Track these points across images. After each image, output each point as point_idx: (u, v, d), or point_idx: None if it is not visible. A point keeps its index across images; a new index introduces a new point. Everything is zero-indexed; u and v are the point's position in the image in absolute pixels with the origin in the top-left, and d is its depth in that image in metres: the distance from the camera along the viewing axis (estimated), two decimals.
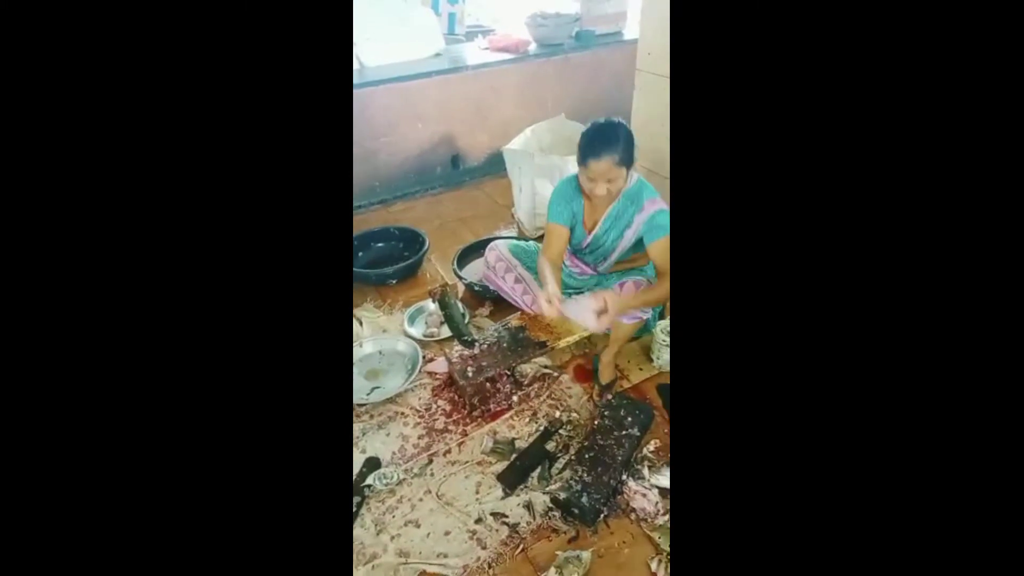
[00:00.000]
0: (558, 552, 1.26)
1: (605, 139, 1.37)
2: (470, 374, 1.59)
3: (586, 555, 1.24)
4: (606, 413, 1.51)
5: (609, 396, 1.63)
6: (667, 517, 1.33)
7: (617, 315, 1.43)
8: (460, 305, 1.85)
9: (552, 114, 2.72)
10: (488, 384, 1.63)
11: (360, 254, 2.32)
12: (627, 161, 1.39)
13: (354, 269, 2.15)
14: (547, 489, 1.39)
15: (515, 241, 1.79)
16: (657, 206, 1.47)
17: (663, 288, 1.47)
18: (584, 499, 1.32)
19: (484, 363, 1.61)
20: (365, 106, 2.63)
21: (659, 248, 1.46)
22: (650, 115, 1.68)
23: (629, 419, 1.49)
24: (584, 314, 1.38)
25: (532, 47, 3.05)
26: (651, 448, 1.48)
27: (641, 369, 1.75)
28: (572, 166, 2.31)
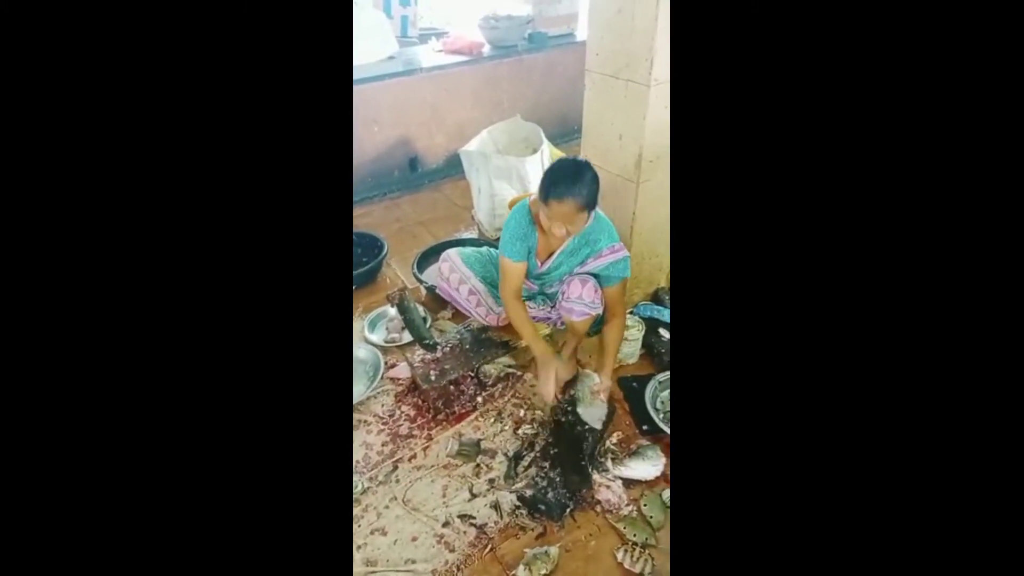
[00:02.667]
0: (526, 549, 1.27)
1: (570, 180, 1.28)
2: (433, 378, 1.58)
3: (554, 550, 1.26)
4: (568, 408, 1.53)
5: (572, 391, 1.65)
6: (631, 508, 1.35)
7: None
8: (420, 308, 1.84)
9: (508, 115, 2.74)
10: (452, 387, 1.62)
11: None
12: (590, 205, 1.33)
13: None
14: (513, 488, 1.40)
15: (469, 250, 1.78)
16: (617, 255, 1.46)
17: (619, 328, 1.54)
18: (550, 495, 1.33)
19: (447, 366, 1.61)
20: None
21: (613, 293, 1.50)
22: (600, 115, 1.71)
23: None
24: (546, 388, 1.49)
25: (486, 49, 3.06)
26: (614, 440, 1.51)
27: None
28: (529, 167, 2.33)
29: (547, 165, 2.42)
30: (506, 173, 2.33)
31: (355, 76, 2.68)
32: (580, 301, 1.47)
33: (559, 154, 2.57)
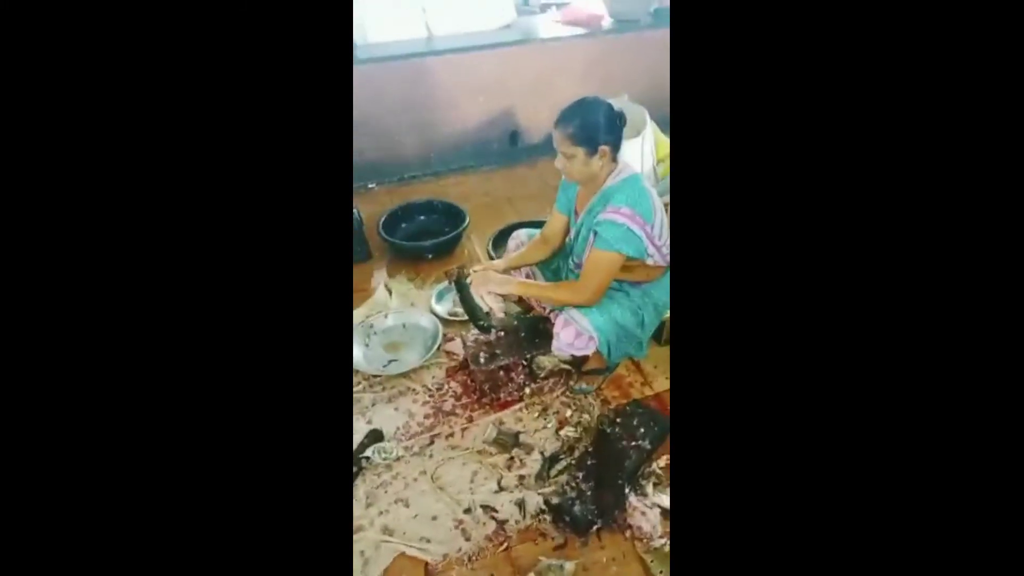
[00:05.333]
0: (542, 557, 1.20)
1: (564, 112, 1.30)
2: (482, 360, 1.54)
3: (569, 565, 1.18)
4: (616, 420, 1.42)
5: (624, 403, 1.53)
6: (664, 541, 1.23)
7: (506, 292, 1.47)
8: None
9: (618, 94, 2.57)
10: (501, 372, 1.58)
11: (403, 225, 2.32)
12: (582, 141, 1.27)
13: (392, 240, 2.16)
14: (541, 490, 1.33)
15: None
16: (610, 215, 1.31)
17: (564, 292, 1.44)
18: (576, 508, 1.25)
19: (498, 350, 1.56)
20: (427, 76, 2.61)
21: (591, 256, 1.37)
22: None
23: (641, 430, 1.39)
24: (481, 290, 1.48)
25: (606, 22, 2.88)
26: (661, 464, 1.38)
27: (667, 378, 1.62)
28: (628, 151, 2.17)
29: (648, 152, 2.24)
30: None
31: (466, 44, 2.66)
32: (558, 339, 1.45)
33: (664, 140, 2.36)
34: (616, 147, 1.33)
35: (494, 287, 1.46)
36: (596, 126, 1.27)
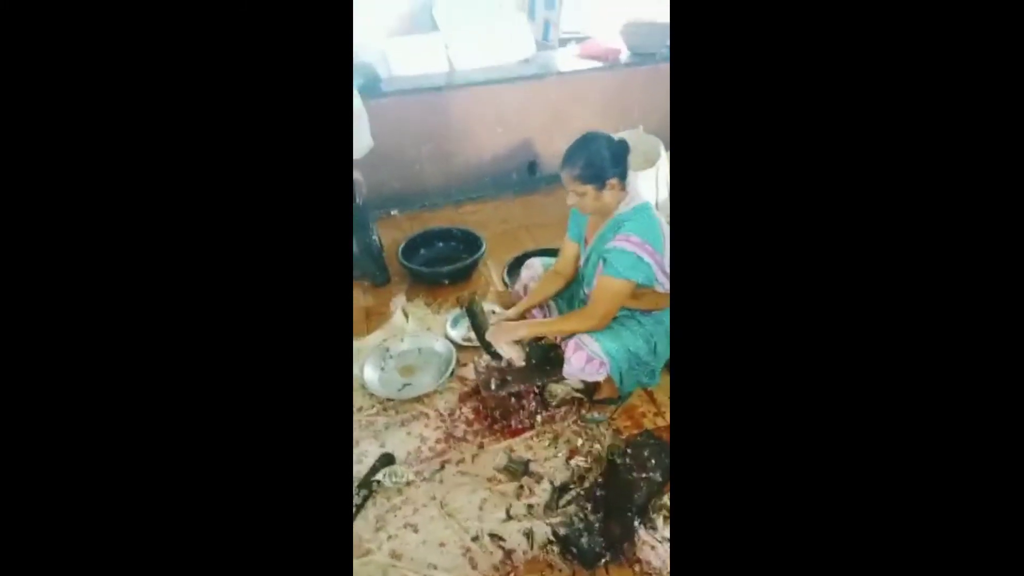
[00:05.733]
0: None
1: (569, 153, 1.34)
2: (493, 386, 1.55)
3: None
4: (627, 451, 1.41)
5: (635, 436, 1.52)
6: None
7: (521, 338, 1.51)
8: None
9: (635, 125, 2.61)
10: (512, 399, 1.59)
11: (422, 251, 2.37)
12: (590, 179, 1.31)
13: (411, 266, 2.21)
14: (550, 520, 1.32)
15: (552, 261, 1.73)
16: (620, 243, 1.34)
17: (573, 322, 1.45)
18: (584, 540, 1.23)
19: (509, 377, 1.57)
20: (449, 108, 2.70)
21: (599, 282, 1.39)
22: None
23: (652, 461, 1.38)
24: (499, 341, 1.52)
25: (623, 56, 2.95)
26: None
27: None
28: (641, 182, 2.20)
29: (663, 182, 2.27)
30: None
31: (486, 77, 2.75)
32: (569, 364, 1.44)
33: None
34: (623, 176, 1.36)
35: (509, 336, 1.49)
36: (601, 162, 1.31)
